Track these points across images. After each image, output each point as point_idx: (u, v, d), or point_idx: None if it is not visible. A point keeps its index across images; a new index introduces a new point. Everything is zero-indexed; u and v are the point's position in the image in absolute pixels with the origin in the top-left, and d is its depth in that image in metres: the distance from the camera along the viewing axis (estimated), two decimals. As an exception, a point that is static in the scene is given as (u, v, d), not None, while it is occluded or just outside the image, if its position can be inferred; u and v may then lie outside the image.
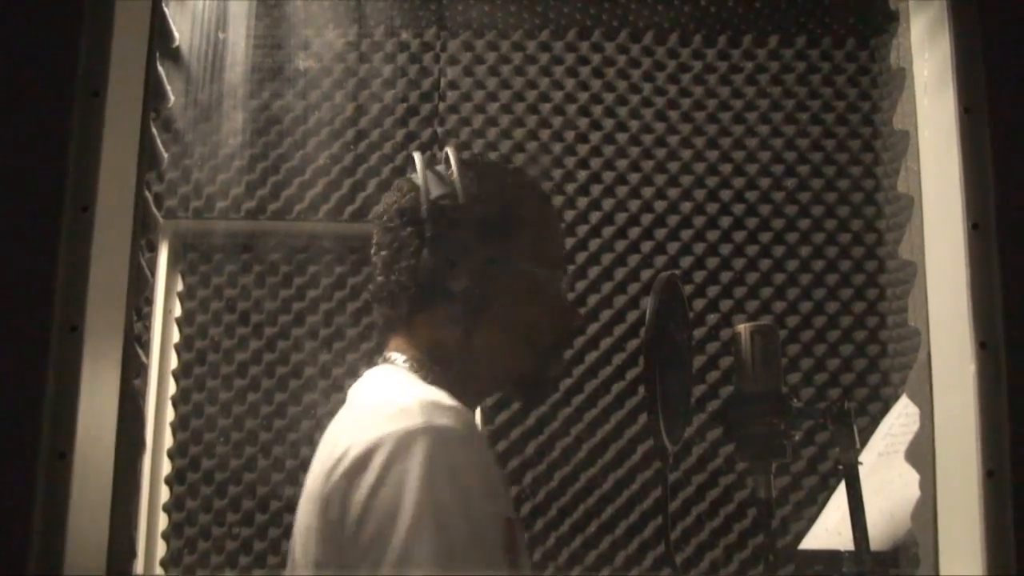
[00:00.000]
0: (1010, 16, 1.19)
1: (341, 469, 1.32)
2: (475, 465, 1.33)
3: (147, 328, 2.66)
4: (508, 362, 1.56)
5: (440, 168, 1.57)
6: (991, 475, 1.06)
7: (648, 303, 1.60)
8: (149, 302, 2.66)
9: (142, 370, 2.56)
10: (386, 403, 1.40)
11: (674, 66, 2.80)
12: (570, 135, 2.77)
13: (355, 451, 1.33)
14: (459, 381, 1.51)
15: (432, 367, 1.52)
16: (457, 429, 1.33)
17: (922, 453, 1.18)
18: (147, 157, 1.19)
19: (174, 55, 1.33)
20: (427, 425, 1.31)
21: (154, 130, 1.24)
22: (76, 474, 1.06)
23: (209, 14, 2.62)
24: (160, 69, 1.23)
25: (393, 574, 1.23)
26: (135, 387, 1.18)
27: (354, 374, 2.61)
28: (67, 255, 1.06)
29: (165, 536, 2.64)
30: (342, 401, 1.55)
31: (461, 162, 1.55)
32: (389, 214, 1.57)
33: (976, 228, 1.11)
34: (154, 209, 1.23)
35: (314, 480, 1.40)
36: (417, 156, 1.56)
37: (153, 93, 1.20)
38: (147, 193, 1.21)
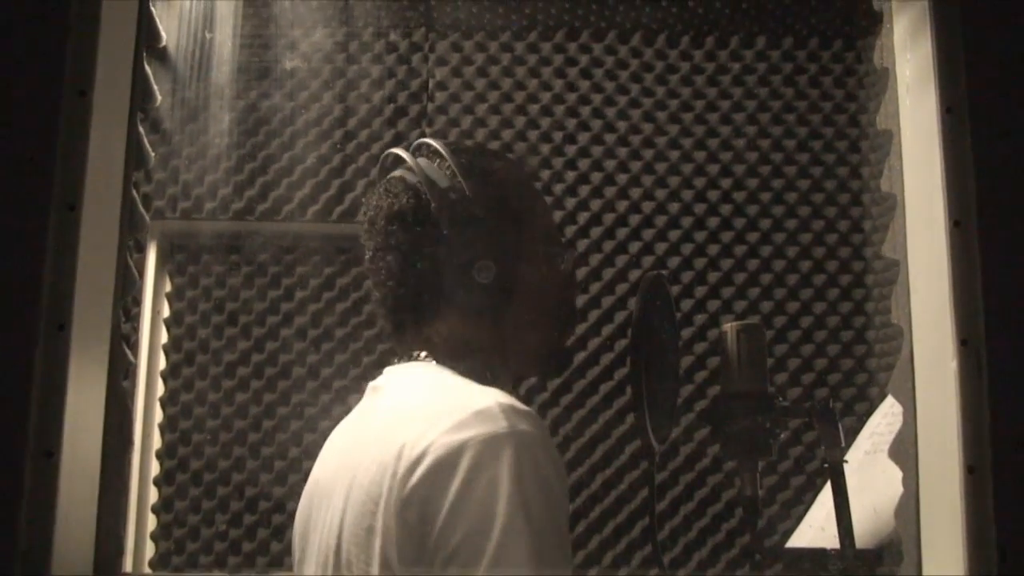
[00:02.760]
0: (991, 17, 1.20)
1: (421, 472, 1.31)
2: (555, 468, 1.35)
3: (135, 329, 2.66)
4: (536, 341, 1.57)
5: (426, 160, 1.53)
6: (972, 471, 1.07)
7: (635, 302, 1.62)
8: (137, 303, 2.66)
9: (130, 369, 2.57)
10: (459, 404, 1.37)
11: (662, 67, 2.81)
12: (558, 136, 2.77)
13: (436, 454, 1.32)
14: (490, 371, 1.51)
15: (464, 362, 1.52)
16: (537, 434, 1.34)
17: (905, 450, 1.19)
18: (134, 156, 1.20)
19: (161, 55, 1.34)
20: (512, 430, 1.32)
21: (141, 129, 1.24)
22: (63, 472, 1.06)
23: (196, 14, 2.62)
24: (147, 69, 1.23)
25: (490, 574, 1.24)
26: (123, 385, 1.18)
27: (343, 374, 2.65)
28: (54, 253, 1.06)
29: (154, 537, 2.64)
30: (336, 401, 1.56)
31: (451, 152, 1.52)
32: (387, 217, 1.53)
33: (957, 225, 1.12)
34: (141, 208, 1.23)
35: (373, 482, 1.38)
36: (404, 153, 1.54)
37: (140, 92, 1.21)
38: (135, 192, 1.22)
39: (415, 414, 1.42)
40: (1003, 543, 1.07)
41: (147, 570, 2.62)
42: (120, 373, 1.17)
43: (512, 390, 1.58)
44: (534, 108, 2.78)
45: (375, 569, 1.35)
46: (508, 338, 1.53)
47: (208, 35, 2.65)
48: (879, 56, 1.33)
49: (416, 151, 1.57)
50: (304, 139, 2.75)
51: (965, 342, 1.10)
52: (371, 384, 1.58)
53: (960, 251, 1.11)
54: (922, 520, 1.15)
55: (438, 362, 1.51)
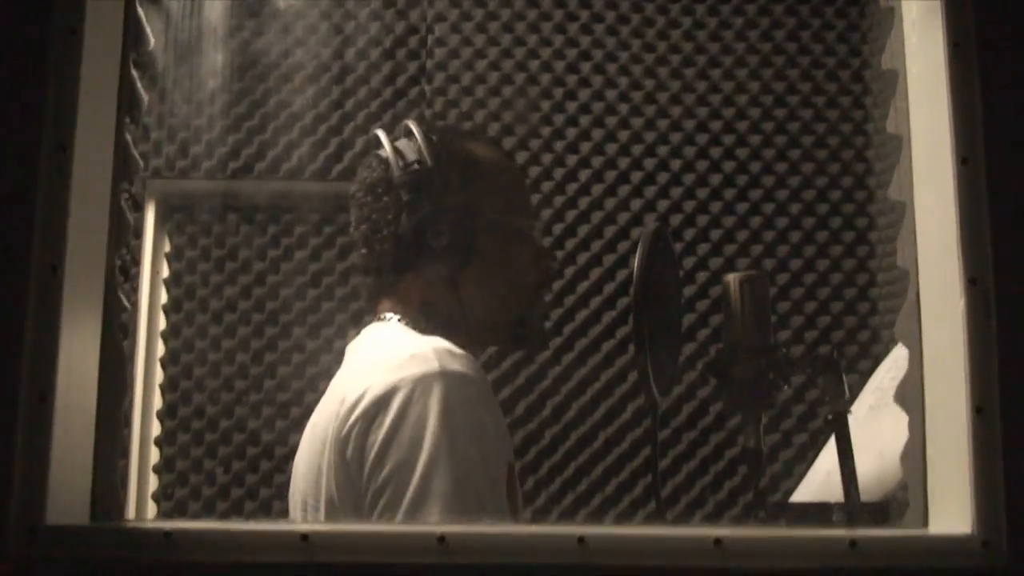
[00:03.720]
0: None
1: (359, 411, 1.41)
2: (487, 408, 1.42)
3: (135, 289, 2.65)
4: (495, 311, 1.64)
5: (404, 140, 1.66)
6: (980, 412, 1.06)
7: (636, 254, 1.60)
8: (136, 263, 2.64)
9: (127, 316, 2.56)
10: (398, 351, 1.49)
11: (663, 22, 2.78)
12: (559, 92, 2.75)
13: (373, 394, 1.41)
14: (453, 336, 1.54)
15: (426, 324, 1.57)
16: (469, 374, 1.42)
17: (912, 395, 1.18)
18: (127, 98, 1.18)
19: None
20: (442, 369, 1.40)
21: (135, 73, 1.22)
22: (58, 417, 1.05)
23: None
24: (140, 10, 1.21)
25: (410, 510, 1.31)
26: (117, 329, 1.17)
27: (343, 334, 2.64)
28: (45, 194, 1.05)
29: (155, 498, 2.64)
30: (333, 361, 1.60)
31: (423, 131, 1.63)
32: (362, 190, 1.66)
33: (965, 163, 1.10)
34: (135, 152, 1.21)
35: (321, 426, 1.47)
36: (381, 133, 1.67)
37: (133, 33, 1.19)
38: (127, 136, 1.20)
39: (362, 364, 1.55)
40: (1011, 485, 1.05)
41: (150, 503, 2.63)
42: (115, 317, 1.15)
43: (476, 352, 1.63)
44: (534, 64, 2.75)
45: (322, 507, 1.42)
46: (468, 304, 1.61)
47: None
48: (885, -6, 1.30)
49: (397, 132, 1.69)
50: (302, 96, 2.72)
51: (973, 281, 1.08)
52: (349, 344, 1.68)
53: (967, 189, 1.09)
54: (929, 464, 1.13)
55: (405, 323, 1.57)
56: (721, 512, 2.60)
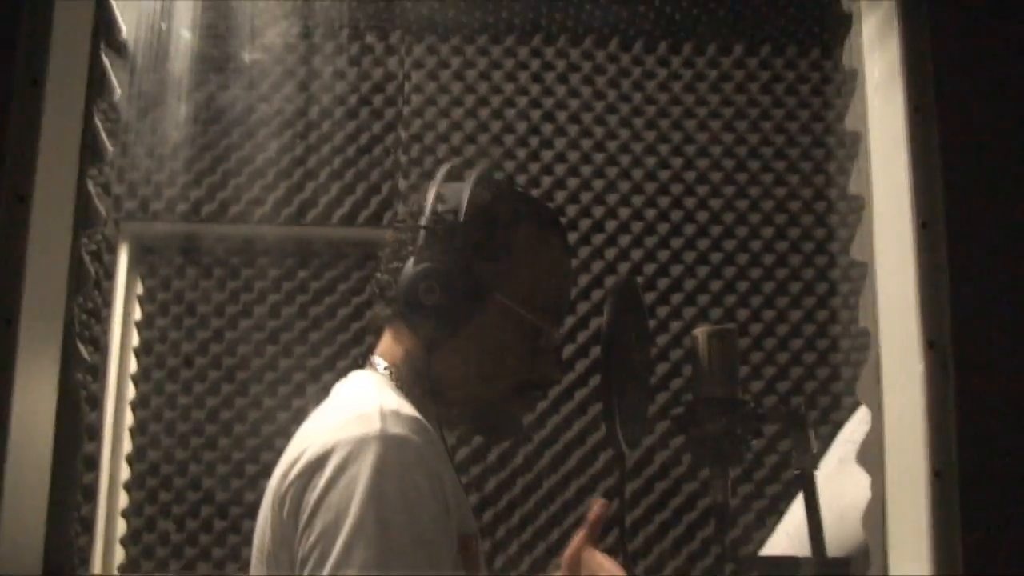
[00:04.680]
0: (960, 15, 1.19)
1: (297, 469, 1.36)
2: (425, 475, 1.35)
3: (105, 331, 2.63)
4: (467, 394, 1.54)
5: (458, 186, 1.55)
6: (938, 475, 1.06)
7: (605, 306, 1.60)
8: (108, 304, 2.63)
9: (97, 358, 2.55)
10: (347, 408, 1.43)
11: (639, 73, 2.80)
12: (535, 141, 2.76)
13: (311, 453, 1.36)
14: (427, 397, 1.52)
15: (406, 377, 1.53)
16: (411, 439, 1.35)
17: (873, 455, 1.18)
18: (90, 149, 1.17)
19: (120, 49, 1.32)
20: (382, 432, 1.33)
21: (99, 123, 1.22)
22: (10, 470, 1.04)
23: (157, 7, 2.58)
24: (105, 60, 1.21)
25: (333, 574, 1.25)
26: (76, 383, 1.16)
27: (316, 379, 2.63)
28: (2, 246, 1.04)
29: (123, 542, 2.61)
30: (308, 405, 1.57)
31: (480, 182, 1.54)
32: (401, 217, 1.58)
33: (925, 227, 1.11)
34: (97, 203, 1.21)
35: (274, 478, 1.43)
36: (443, 168, 1.56)
37: (97, 84, 1.18)
38: (90, 186, 1.19)
39: (316, 416, 1.47)
40: (968, 548, 1.05)
41: (116, 574, 2.59)
42: (73, 368, 1.14)
43: (451, 425, 1.58)
44: (511, 112, 2.77)
45: (265, 564, 1.40)
46: (440, 375, 1.51)
47: (163, 25, 2.60)
48: (848, 57, 1.31)
49: (460, 173, 1.59)
50: (277, 141, 2.72)
51: (932, 344, 1.08)
52: (334, 388, 1.61)
53: (927, 252, 1.10)
54: (888, 525, 1.13)
55: (390, 375, 1.52)
56: (693, 562, 2.59)
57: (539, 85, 2.79)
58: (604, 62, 2.81)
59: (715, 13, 2.72)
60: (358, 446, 1.33)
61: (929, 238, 1.10)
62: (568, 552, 1.68)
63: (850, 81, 1.30)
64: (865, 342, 1.21)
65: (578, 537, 1.67)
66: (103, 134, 1.23)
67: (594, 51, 2.81)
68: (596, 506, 1.67)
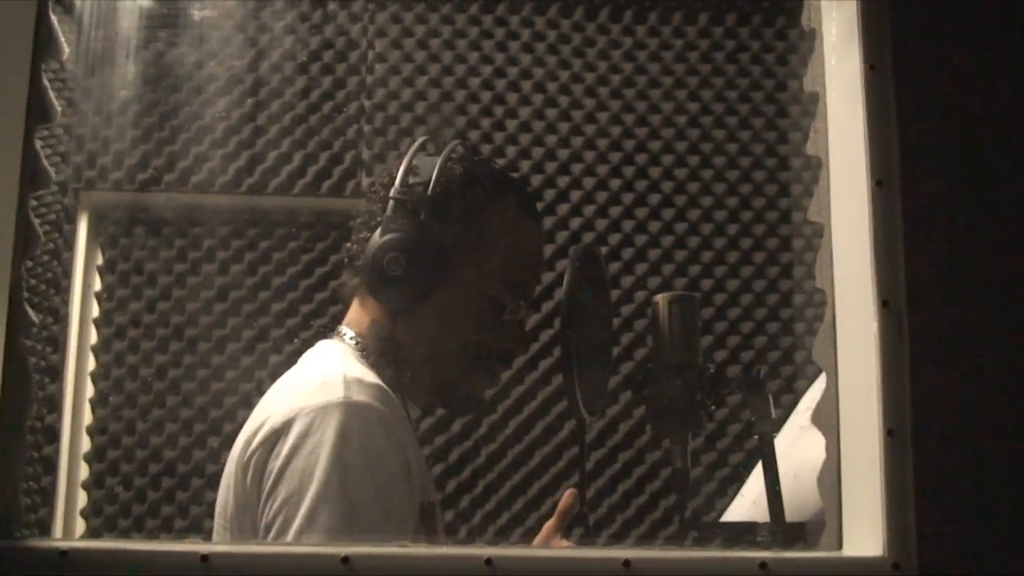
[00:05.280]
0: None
1: (260, 437, 1.37)
2: (392, 442, 1.36)
3: (65, 302, 2.61)
4: (430, 366, 1.55)
5: (430, 156, 1.56)
6: (891, 434, 1.06)
7: (565, 275, 1.59)
8: (67, 274, 2.60)
9: (57, 328, 2.52)
10: (311, 376, 1.44)
11: (604, 42, 2.78)
12: (499, 110, 2.74)
13: (274, 420, 1.38)
14: (392, 367, 1.51)
15: (373, 347, 1.52)
16: (374, 406, 1.36)
17: (828, 415, 1.18)
18: (37, 108, 1.15)
19: (69, 8, 1.29)
20: (345, 399, 1.35)
21: (46, 82, 1.19)
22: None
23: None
24: (53, 18, 1.19)
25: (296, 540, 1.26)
26: (24, 345, 1.14)
27: (278, 349, 2.61)
28: (-55, 205, 1.02)
29: (84, 514, 2.60)
30: (272, 376, 1.57)
31: (454, 156, 1.54)
32: (374, 187, 1.58)
33: (880, 185, 1.10)
34: (46, 163, 1.18)
35: (237, 446, 1.43)
36: (417, 142, 1.56)
37: (44, 41, 1.16)
38: (38, 147, 1.17)
39: (280, 385, 1.47)
40: (921, 508, 1.05)
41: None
42: (20, 332, 1.12)
43: (414, 397, 1.57)
44: (475, 81, 2.75)
45: (230, 529, 1.42)
46: (403, 347, 1.51)
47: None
48: (807, 18, 1.30)
49: (436, 147, 1.60)
50: (240, 110, 2.69)
51: (886, 303, 1.08)
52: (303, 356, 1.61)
53: (882, 211, 1.09)
54: (843, 486, 1.13)
55: (356, 344, 1.52)
56: (656, 530, 2.59)
57: (504, 54, 2.77)
58: (569, 31, 2.79)
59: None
60: (321, 413, 1.34)
61: (884, 197, 1.10)
62: (536, 542, 1.68)
63: (809, 41, 1.30)
64: (821, 302, 1.21)
65: (547, 527, 1.68)
66: (51, 94, 1.21)
67: (559, 20, 2.79)
68: (565, 496, 1.68)
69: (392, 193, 1.50)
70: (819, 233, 1.21)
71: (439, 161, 1.51)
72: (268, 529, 1.31)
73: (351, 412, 1.34)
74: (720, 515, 2.37)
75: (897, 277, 1.09)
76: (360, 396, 1.36)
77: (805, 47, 1.30)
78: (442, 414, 2.60)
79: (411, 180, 1.51)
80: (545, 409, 2.64)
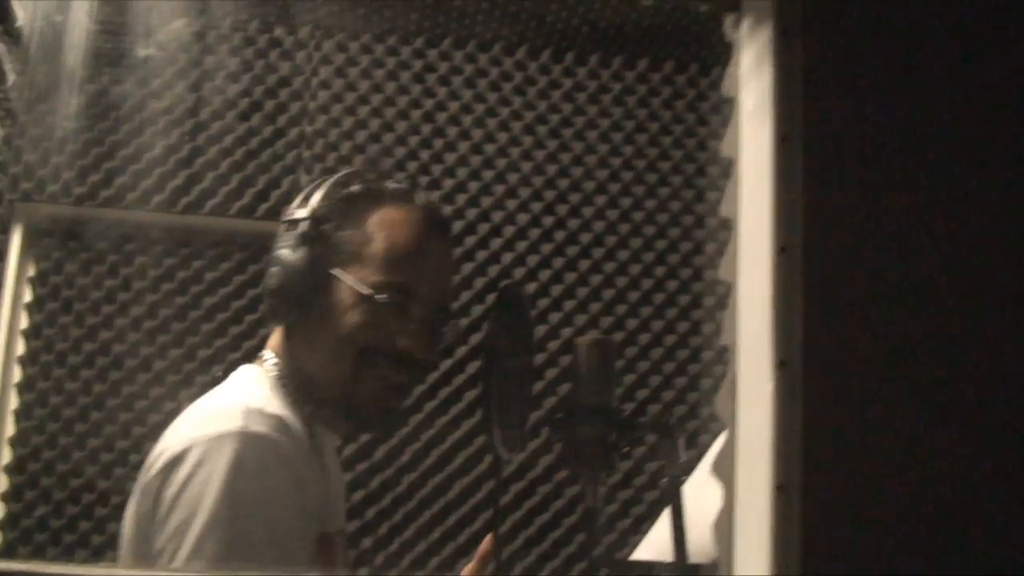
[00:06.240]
0: (832, 51, 1.25)
1: (159, 464, 1.39)
2: (282, 473, 1.38)
3: (-7, 312, 2.60)
4: (333, 381, 1.55)
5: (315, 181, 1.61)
6: (781, 489, 1.11)
7: (489, 311, 1.63)
8: (-2, 285, 2.60)
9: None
10: (211, 405, 1.45)
11: (545, 82, 2.85)
12: (438, 143, 2.79)
13: (173, 449, 1.40)
14: (302, 392, 1.54)
15: (287, 372, 1.54)
16: (271, 436, 1.38)
17: (725, 468, 1.23)
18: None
19: (16, 36, 1.32)
20: (241, 430, 1.38)
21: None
22: None
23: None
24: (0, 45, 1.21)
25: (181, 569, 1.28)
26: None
27: (205, 370, 2.62)
28: None
29: (0, 526, 2.58)
30: (197, 396, 1.57)
31: (341, 178, 1.60)
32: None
33: (783, 252, 1.16)
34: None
35: (142, 471, 1.44)
36: (311, 172, 1.60)
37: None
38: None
39: (187, 413, 1.49)
40: (806, 562, 1.11)
41: (-10, 561, 2.56)
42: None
43: (327, 422, 1.59)
44: (416, 114, 2.79)
45: (127, 550, 1.44)
46: (311, 361, 1.54)
47: (60, 18, 2.57)
48: (728, 85, 1.36)
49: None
50: (179, 130, 2.71)
51: (783, 364, 1.14)
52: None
53: (783, 277, 1.15)
54: (735, 537, 1.19)
55: (277, 370, 1.53)
56: (571, 565, 2.63)
57: (446, 88, 2.81)
58: (511, 69, 2.84)
59: (596, 25, 2.77)
60: (216, 443, 1.36)
61: (786, 263, 1.16)
62: None
63: (727, 108, 1.36)
64: (725, 359, 1.26)
65: (466, 570, 1.70)
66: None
67: (502, 57, 2.85)
68: (484, 542, 1.70)
69: (283, 218, 1.56)
70: (725, 292, 1.27)
71: (327, 183, 1.58)
72: (159, 557, 1.33)
73: (246, 443, 1.36)
74: (632, 551, 2.42)
75: (795, 340, 1.14)
76: (257, 427, 1.37)
77: (724, 114, 1.36)
78: (364, 441, 2.63)
79: (296, 204, 1.57)
80: (468, 440, 2.67)
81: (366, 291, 1.52)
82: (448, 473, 2.66)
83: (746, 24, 1.28)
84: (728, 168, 1.32)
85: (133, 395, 2.63)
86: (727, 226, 1.31)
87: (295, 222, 1.54)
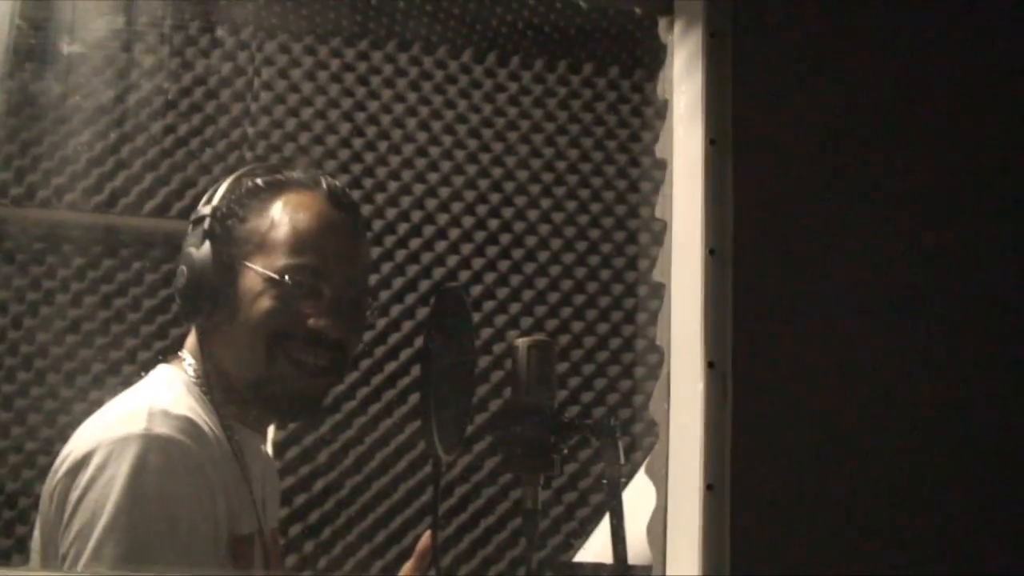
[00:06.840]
0: (761, 54, 1.26)
1: (65, 467, 1.40)
2: (187, 476, 1.37)
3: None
4: (248, 373, 1.53)
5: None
6: (711, 488, 1.12)
7: (428, 312, 1.63)
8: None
9: None
10: (118, 407, 1.44)
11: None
12: (382, 145, 2.78)
13: (77, 452, 1.39)
14: (218, 391, 1.52)
15: (203, 372, 1.53)
16: (175, 439, 1.37)
17: (658, 468, 1.24)
18: None
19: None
20: (144, 432, 1.36)
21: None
22: None
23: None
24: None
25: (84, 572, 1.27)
26: None
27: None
28: None
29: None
30: (107, 397, 1.55)
31: (242, 174, 1.59)
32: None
33: (713, 254, 1.17)
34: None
35: (50, 473, 1.43)
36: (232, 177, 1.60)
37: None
38: None
39: (97, 414, 1.48)
40: (736, 560, 1.11)
41: None
42: None
43: (252, 420, 1.58)
44: (361, 116, 2.78)
45: (37, 551, 1.42)
46: (226, 358, 1.53)
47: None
48: (662, 87, 1.37)
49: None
50: (119, 131, 2.68)
51: (712, 364, 1.14)
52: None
53: (713, 278, 1.16)
54: (668, 536, 1.19)
55: (194, 370, 1.52)
56: (515, 567, 2.63)
57: (391, 90, 2.81)
58: (457, 72, 2.84)
59: (541, 29, 2.78)
60: (120, 445, 1.35)
61: (716, 265, 1.16)
62: None
63: (661, 110, 1.37)
64: (659, 359, 1.27)
65: (405, 568, 1.69)
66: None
67: (447, 60, 2.84)
68: (423, 539, 1.70)
69: (191, 218, 1.55)
70: (660, 293, 1.28)
71: (227, 183, 1.57)
72: (64, 560, 1.32)
73: (149, 445, 1.35)
74: (575, 554, 2.43)
75: (724, 341, 1.15)
76: (161, 428, 1.36)
77: (658, 116, 1.37)
78: (308, 444, 2.61)
79: (202, 203, 1.56)
80: (412, 443, 2.67)
81: (274, 276, 1.51)
82: (392, 476, 2.65)
83: (678, 27, 1.29)
84: (663, 169, 1.33)
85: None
86: (660, 227, 1.32)
87: (200, 219, 1.53)
